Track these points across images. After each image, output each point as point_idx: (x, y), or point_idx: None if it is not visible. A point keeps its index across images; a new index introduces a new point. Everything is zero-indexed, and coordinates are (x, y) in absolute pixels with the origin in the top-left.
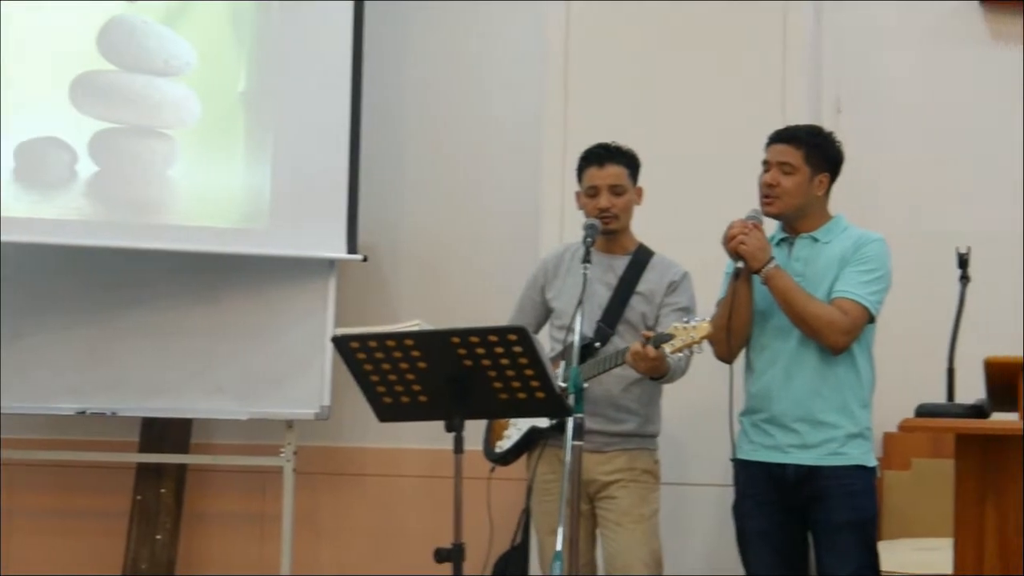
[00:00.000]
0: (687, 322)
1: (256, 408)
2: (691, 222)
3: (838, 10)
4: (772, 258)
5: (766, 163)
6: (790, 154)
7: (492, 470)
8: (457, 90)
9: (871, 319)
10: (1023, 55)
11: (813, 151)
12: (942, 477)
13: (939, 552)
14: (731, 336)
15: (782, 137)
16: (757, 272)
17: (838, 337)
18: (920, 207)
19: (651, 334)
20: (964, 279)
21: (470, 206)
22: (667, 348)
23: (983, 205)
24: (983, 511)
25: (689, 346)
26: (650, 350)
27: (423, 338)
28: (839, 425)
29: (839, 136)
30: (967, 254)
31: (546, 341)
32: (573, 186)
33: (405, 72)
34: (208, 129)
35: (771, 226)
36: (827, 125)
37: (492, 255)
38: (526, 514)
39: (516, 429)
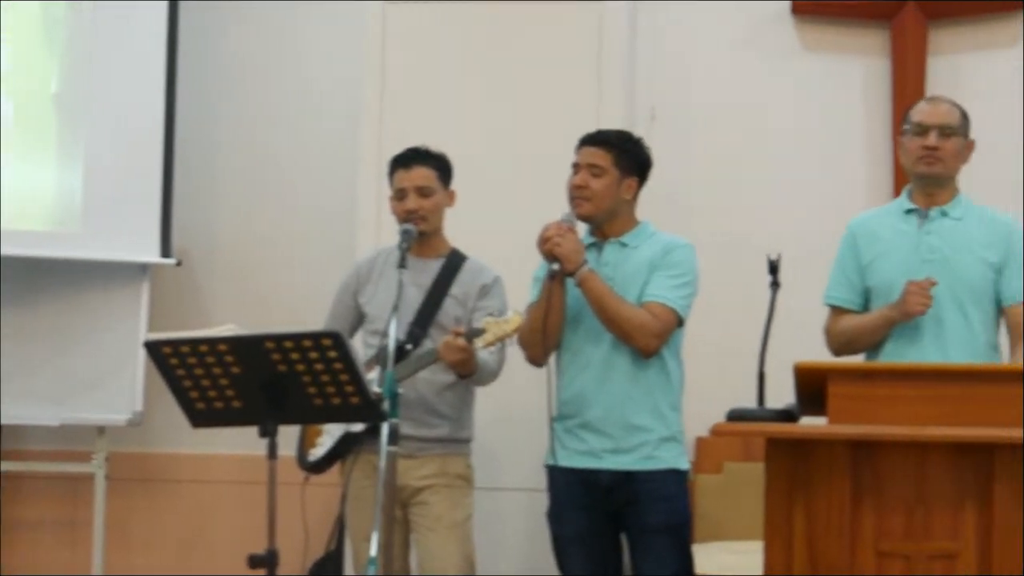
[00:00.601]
0: (498, 316)
1: (68, 414)
2: (506, 225)
3: (653, 18)
4: (586, 261)
5: (575, 165)
6: (600, 157)
7: (306, 478)
8: (273, 93)
9: (680, 323)
10: (833, 65)
11: (623, 155)
12: (753, 480)
13: (750, 554)
14: (546, 339)
15: (592, 140)
16: (572, 274)
17: (649, 340)
18: (732, 213)
19: (463, 330)
20: (775, 285)
21: (286, 210)
22: (479, 342)
23: (794, 212)
24: (792, 513)
25: (501, 339)
26: (461, 340)
27: (236, 343)
28: (652, 429)
29: (652, 142)
30: (778, 260)
31: (360, 346)
32: (389, 191)
33: (220, 74)
34: (19, 131)
35: (580, 230)
36: (641, 131)
37: (308, 260)
38: (340, 520)
39: (329, 436)
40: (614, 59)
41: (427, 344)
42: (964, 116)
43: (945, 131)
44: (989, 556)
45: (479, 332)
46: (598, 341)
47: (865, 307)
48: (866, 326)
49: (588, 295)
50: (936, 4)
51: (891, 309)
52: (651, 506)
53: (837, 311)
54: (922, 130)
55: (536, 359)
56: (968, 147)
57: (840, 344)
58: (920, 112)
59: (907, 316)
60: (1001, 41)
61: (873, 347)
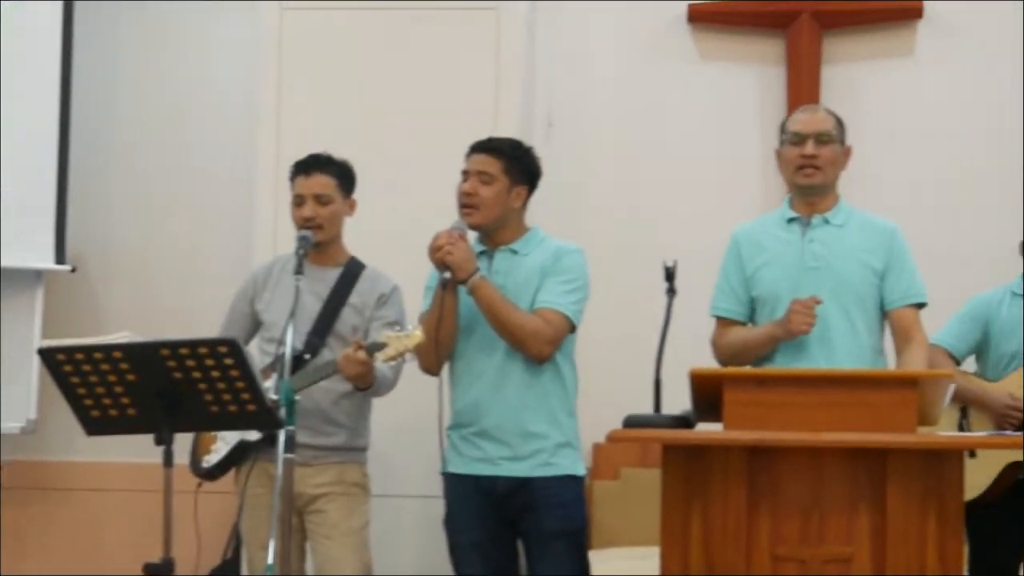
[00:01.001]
0: (399, 331)
1: None
2: (403, 232)
3: (551, 26)
4: (478, 269)
5: (465, 172)
6: (490, 164)
7: (199, 485)
8: (170, 97)
9: (573, 328)
10: (729, 73)
11: (513, 163)
12: (650, 487)
13: (647, 560)
14: (439, 348)
15: (483, 147)
16: (464, 283)
17: (543, 347)
18: (629, 220)
19: (364, 343)
20: (671, 292)
21: (183, 216)
22: (381, 356)
23: (691, 219)
24: (689, 519)
25: (402, 354)
26: (361, 354)
27: (131, 350)
28: (548, 435)
29: (550, 149)
30: (674, 267)
31: (256, 353)
32: (287, 197)
33: (117, 77)
34: None
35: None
36: (538, 138)
37: (205, 267)
38: (236, 528)
39: (224, 443)
40: (512, 65)
41: (325, 353)
42: (839, 123)
43: (822, 138)
44: (883, 559)
45: (380, 346)
46: (492, 349)
47: (751, 317)
48: (751, 342)
49: (480, 303)
50: (831, 14)
51: (776, 327)
52: (548, 512)
53: (723, 322)
54: (799, 139)
55: (430, 368)
56: (845, 153)
57: (726, 357)
58: (796, 122)
59: (791, 335)
60: (896, 50)
61: (760, 359)
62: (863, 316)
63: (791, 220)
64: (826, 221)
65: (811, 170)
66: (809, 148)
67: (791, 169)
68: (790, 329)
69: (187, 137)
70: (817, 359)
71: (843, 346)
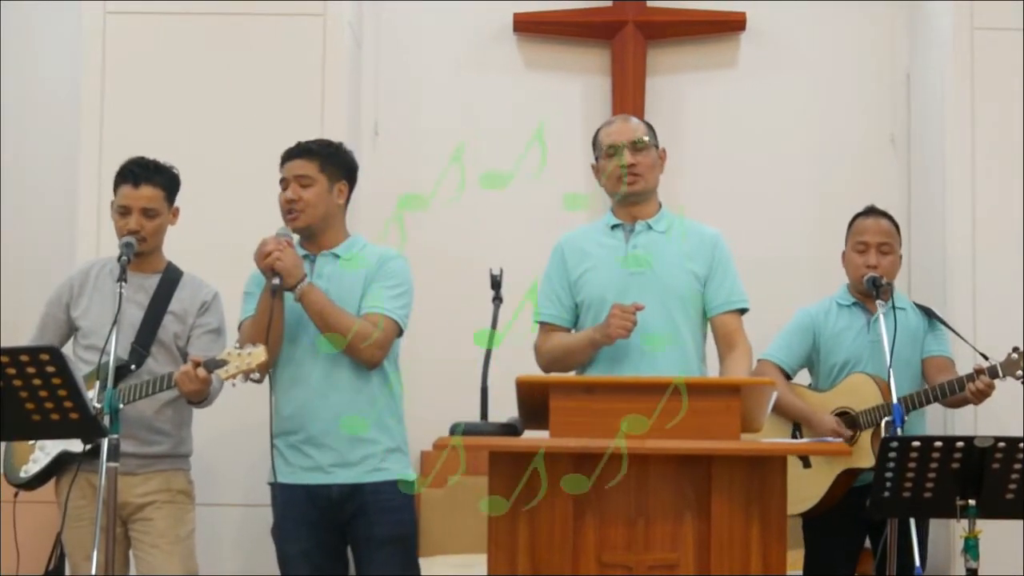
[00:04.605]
0: (239, 348)
1: None
2: (225, 238)
3: (378, 35)
4: (306, 275)
5: (283, 180)
6: (306, 167)
7: (16, 494)
8: None
9: (400, 332)
10: (554, 82)
11: (328, 161)
12: (477, 494)
13: (475, 568)
14: (268, 355)
15: (295, 153)
16: (292, 289)
17: (374, 351)
18: (455, 228)
19: (201, 359)
20: (497, 300)
21: (4, 220)
22: (221, 374)
23: (516, 228)
24: (515, 527)
25: (245, 372)
26: (201, 372)
27: None
28: (377, 440)
29: (376, 158)
30: (500, 275)
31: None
32: (110, 200)
33: None
34: None
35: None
36: (365, 146)
37: (27, 272)
38: (59, 539)
39: (44, 453)
40: (338, 72)
41: (150, 363)
42: (650, 127)
43: (637, 145)
44: (707, 565)
45: (221, 363)
46: (316, 356)
47: (575, 323)
48: (572, 346)
49: (309, 309)
50: (656, 24)
51: (596, 331)
52: (378, 517)
53: (547, 327)
54: (615, 150)
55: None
56: (661, 156)
57: (548, 362)
58: (608, 134)
59: (610, 339)
60: (720, 62)
61: (581, 366)
62: (686, 322)
63: (615, 227)
64: (649, 227)
65: (632, 177)
66: (627, 157)
67: (612, 180)
68: (608, 333)
69: (9, 140)
70: (639, 365)
71: (666, 353)
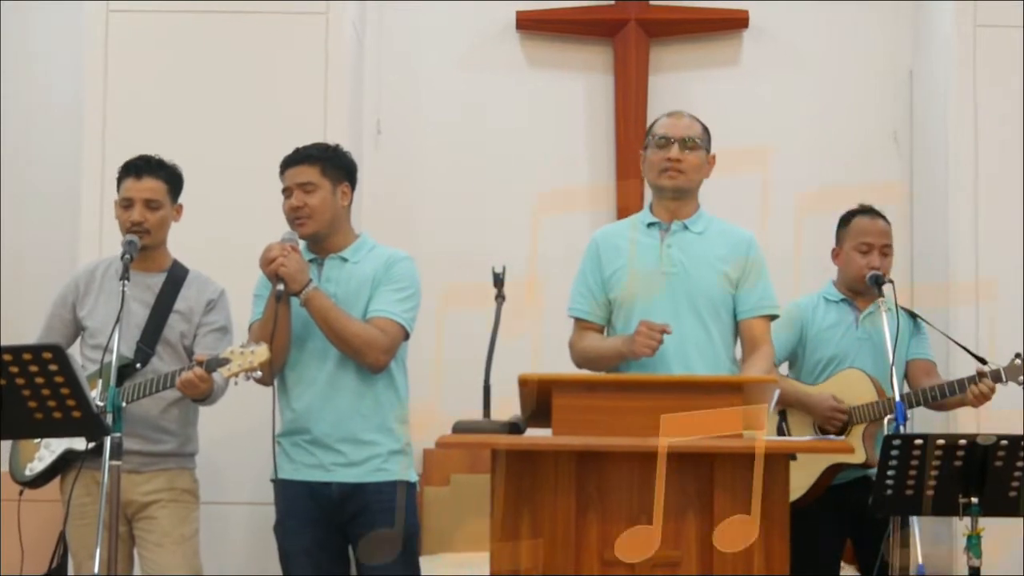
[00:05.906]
0: (243, 347)
1: None
2: (230, 239)
3: (380, 34)
4: (311, 280)
5: (287, 189)
6: (308, 173)
7: (21, 493)
8: None
9: (406, 336)
10: (557, 80)
11: (328, 164)
12: (480, 492)
13: (478, 566)
14: (273, 359)
15: (295, 159)
16: (297, 294)
17: (378, 356)
18: (458, 226)
19: (205, 357)
20: (500, 298)
21: (6, 220)
22: (224, 372)
23: (520, 225)
24: (518, 524)
25: (247, 371)
26: (200, 371)
27: None
28: (380, 443)
29: (379, 157)
30: (503, 273)
31: (80, 360)
32: (113, 199)
33: None
34: None
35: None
36: (367, 145)
37: (29, 272)
38: (63, 537)
39: (49, 451)
40: (340, 71)
41: (155, 362)
42: (706, 131)
43: (687, 143)
44: (710, 563)
45: (223, 362)
46: (323, 359)
47: (608, 319)
48: (603, 353)
49: (315, 314)
50: (658, 22)
51: (624, 344)
52: (380, 517)
53: (581, 324)
54: (665, 143)
55: (264, 379)
56: (710, 162)
57: (581, 362)
58: (663, 125)
59: (635, 356)
60: (722, 60)
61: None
62: (717, 324)
63: (651, 225)
64: (685, 227)
65: (674, 172)
66: (674, 152)
67: (655, 172)
68: (633, 350)
69: (10, 139)
70: (673, 365)
71: (698, 353)
